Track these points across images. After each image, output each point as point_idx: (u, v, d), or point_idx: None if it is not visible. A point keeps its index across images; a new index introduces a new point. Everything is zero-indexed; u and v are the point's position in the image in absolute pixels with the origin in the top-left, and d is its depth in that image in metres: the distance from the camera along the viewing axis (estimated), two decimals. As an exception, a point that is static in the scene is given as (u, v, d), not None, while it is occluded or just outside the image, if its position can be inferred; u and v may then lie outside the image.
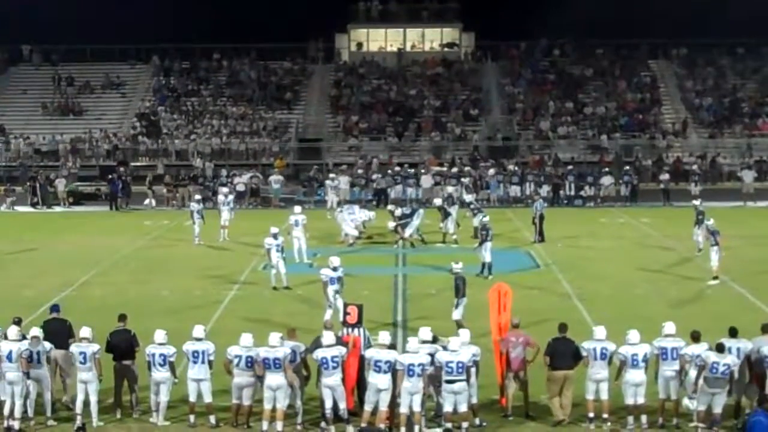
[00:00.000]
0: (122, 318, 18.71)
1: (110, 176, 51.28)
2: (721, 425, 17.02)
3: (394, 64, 69.77)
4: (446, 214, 36.67)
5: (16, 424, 17.26)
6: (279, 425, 17.13)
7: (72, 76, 68.51)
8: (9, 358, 17.30)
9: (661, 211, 46.66)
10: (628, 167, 52.42)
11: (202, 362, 17.61)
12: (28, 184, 52.26)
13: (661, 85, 67.01)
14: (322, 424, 17.31)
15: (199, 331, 17.93)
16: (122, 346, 18.21)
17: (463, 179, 47.57)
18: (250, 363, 17.37)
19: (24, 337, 17.70)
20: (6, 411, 17.34)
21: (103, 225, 44.34)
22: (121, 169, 53.21)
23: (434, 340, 17.72)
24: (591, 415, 17.40)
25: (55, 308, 19.55)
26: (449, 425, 16.87)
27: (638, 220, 43.16)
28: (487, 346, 18.52)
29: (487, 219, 31.09)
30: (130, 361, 18.22)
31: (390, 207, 39.19)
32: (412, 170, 51.62)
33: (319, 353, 17.32)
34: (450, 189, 45.62)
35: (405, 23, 71.94)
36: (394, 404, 17.08)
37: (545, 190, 48.12)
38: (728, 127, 62.40)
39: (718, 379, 16.84)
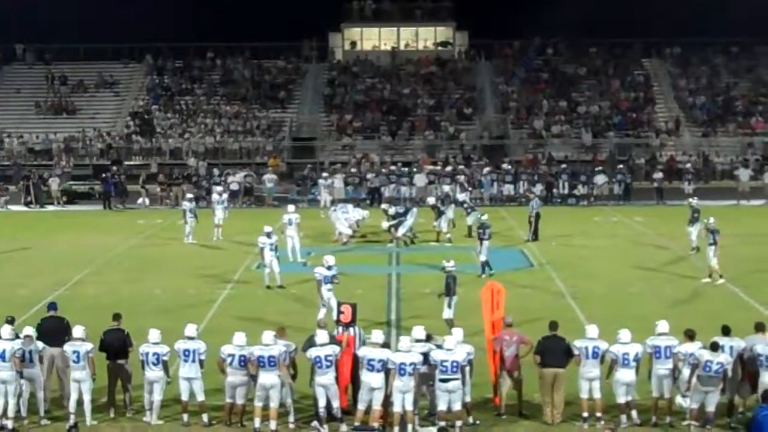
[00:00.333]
0: (117, 317, 18.69)
1: (104, 175, 51.23)
2: (714, 423, 17.04)
3: (387, 62, 69.78)
4: (440, 213, 36.70)
5: (9, 424, 17.25)
6: (273, 424, 17.13)
7: (65, 75, 68.40)
8: (2, 357, 17.26)
9: (655, 210, 46.71)
10: (621, 166, 52.49)
11: (193, 361, 17.60)
12: (21, 183, 52.20)
13: (655, 84, 67.09)
14: (313, 423, 17.32)
15: (191, 329, 17.92)
16: (116, 345, 18.19)
17: (459, 177, 47.65)
18: (244, 362, 17.37)
19: (17, 336, 17.67)
20: (-1, 410, 17.35)
21: (96, 224, 44.28)
22: (114, 168, 53.12)
23: (428, 339, 17.74)
24: (585, 414, 17.43)
25: (52, 306, 19.53)
26: (443, 424, 16.88)
27: (632, 218, 43.20)
28: (479, 344, 18.52)
29: (485, 218, 30.98)
30: (123, 360, 18.21)
31: (384, 206, 39.22)
32: (406, 169, 51.62)
33: (312, 352, 17.32)
34: (446, 188, 45.64)
35: (398, 22, 71.94)
36: (387, 403, 17.09)
37: (539, 188, 48.18)
38: (722, 126, 62.50)
39: (711, 377, 16.86)
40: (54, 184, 51.75)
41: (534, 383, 17.94)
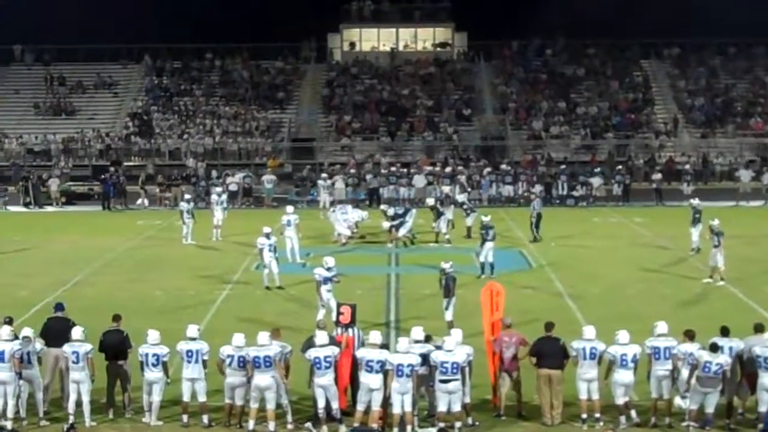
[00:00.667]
0: (116, 318, 18.67)
1: (103, 176, 51.24)
2: (713, 425, 17.04)
3: (386, 63, 69.77)
4: (439, 214, 36.69)
5: (8, 424, 17.24)
6: (271, 425, 17.14)
7: (64, 76, 68.37)
8: (1, 358, 17.25)
9: (654, 211, 46.74)
10: (620, 167, 52.51)
11: (196, 362, 17.59)
12: (20, 184, 52.17)
13: (654, 85, 67.07)
14: (307, 424, 17.33)
15: (192, 330, 17.92)
16: (115, 346, 18.18)
17: (459, 177, 47.65)
18: (242, 363, 17.37)
19: (16, 337, 17.66)
20: (-2, 411, 17.34)
21: (95, 225, 44.29)
22: (112, 168, 53.09)
23: (427, 340, 17.74)
24: (584, 415, 17.42)
25: (59, 307, 19.48)
26: (442, 425, 16.88)
27: (631, 219, 43.23)
28: (478, 345, 18.52)
29: (488, 219, 30.87)
30: (122, 361, 18.20)
31: (383, 207, 39.26)
32: (405, 170, 51.62)
33: (312, 353, 17.32)
34: (446, 189, 45.65)
35: (397, 23, 71.95)
36: (386, 404, 17.10)
37: (538, 189, 48.18)
38: (720, 127, 62.51)
39: (710, 378, 16.86)
40: (54, 184, 51.77)
41: (533, 384, 17.92)
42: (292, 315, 24.79)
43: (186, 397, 17.61)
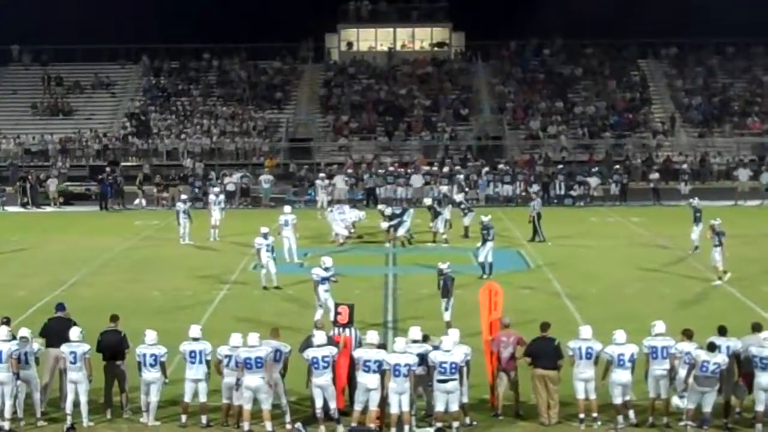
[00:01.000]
0: (114, 318, 18.65)
1: (100, 176, 51.23)
2: (711, 424, 17.04)
3: (384, 63, 69.75)
4: (436, 214, 36.68)
5: (6, 425, 17.22)
6: (268, 425, 17.12)
7: (61, 76, 68.34)
8: (-1, 358, 17.29)
9: (651, 210, 46.77)
10: (618, 166, 52.52)
11: (200, 362, 17.58)
12: (18, 184, 52.16)
13: (651, 85, 67.07)
14: (297, 424, 17.32)
15: (195, 330, 17.90)
16: (113, 347, 18.17)
17: (457, 176, 47.65)
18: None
19: (13, 337, 17.65)
20: (-5, 411, 17.32)
21: (93, 225, 44.29)
22: (109, 168, 53.05)
23: (425, 340, 17.74)
24: (581, 415, 17.42)
25: (60, 307, 19.47)
26: (440, 425, 16.88)
27: (628, 219, 43.25)
28: (477, 345, 18.52)
29: (488, 219, 30.78)
30: (120, 362, 18.19)
31: (380, 207, 39.24)
32: (402, 170, 51.62)
33: (310, 353, 17.32)
34: (444, 189, 45.64)
35: (395, 23, 71.94)
36: (384, 404, 17.10)
37: (535, 189, 48.12)
38: (718, 127, 62.53)
39: (708, 377, 16.86)
40: (52, 185, 51.74)
41: (531, 384, 17.91)
42: (290, 315, 24.79)
43: (187, 398, 17.59)
